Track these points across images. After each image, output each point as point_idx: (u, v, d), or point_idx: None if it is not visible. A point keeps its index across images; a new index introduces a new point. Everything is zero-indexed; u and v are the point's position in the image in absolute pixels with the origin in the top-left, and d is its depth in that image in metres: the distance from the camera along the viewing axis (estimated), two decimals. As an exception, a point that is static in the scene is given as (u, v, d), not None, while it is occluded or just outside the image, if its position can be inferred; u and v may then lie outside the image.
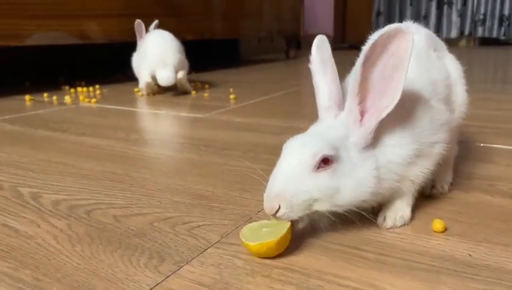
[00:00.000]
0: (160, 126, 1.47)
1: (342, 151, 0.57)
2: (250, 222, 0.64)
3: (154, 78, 1.91)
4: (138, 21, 1.98)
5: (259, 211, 0.70)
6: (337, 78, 0.62)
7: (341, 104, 0.61)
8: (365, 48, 0.55)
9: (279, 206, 0.55)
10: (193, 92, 2.00)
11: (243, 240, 0.55)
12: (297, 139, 0.59)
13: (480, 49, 4.71)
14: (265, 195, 0.56)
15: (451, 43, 5.06)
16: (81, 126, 1.36)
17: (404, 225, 0.63)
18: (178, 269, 0.53)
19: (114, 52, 2.44)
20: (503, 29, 4.91)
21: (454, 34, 5.12)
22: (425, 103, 0.63)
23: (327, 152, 0.55)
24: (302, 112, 1.66)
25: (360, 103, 0.57)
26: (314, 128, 0.62)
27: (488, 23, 4.97)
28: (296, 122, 1.34)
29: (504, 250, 0.56)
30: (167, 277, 0.52)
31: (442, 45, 0.80)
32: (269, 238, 0.54)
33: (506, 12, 4.83)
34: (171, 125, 1.44)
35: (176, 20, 2.52)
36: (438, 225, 0.61)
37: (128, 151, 1.07)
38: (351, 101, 0.57)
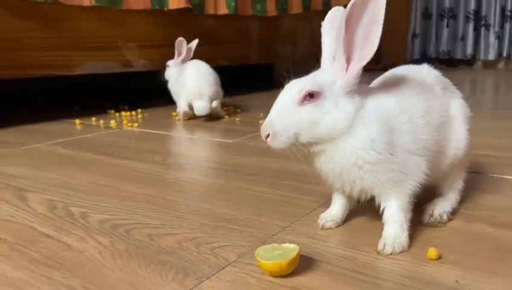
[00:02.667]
0: (194, 151, 1.59)
1: (328, 92, 0.70)
2: (265, 244, 0.74)
3: (190, 106, 2.07)
4: (180, 38, 2.14)
5: (273, 235, 0.79)
6: (341, 39, 0.70)
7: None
8: (347, 8, 0.66)
9: (269, 134, 0.69)
10: (226, 117, 2.13)
11: (258, 258, 0.64)
12: (292, 81, 0.74)
13: (520, 71, 4.62)
14: (261, 130, 0.71)
15: (489, 65, 4.97)
16: (124, 150, 1.50)
17: (402, 251, 0.71)
18: (199, 283, 0.63)
19: (152, 77, 2.62)
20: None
21: (492, 56, 5.04)
22: (411, 117, 0.73)
23: (311, 88, 0.68)
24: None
25: (345, 53, 0.69)
26: (309, 74, 0.75)
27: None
28: (320, 149, 1.42)
29: (490, 277, 0.62)
30: (190, 290, 0.62)
31: (453, 89, 0.87)
32: (281, 259, 0.63)
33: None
34: (203, 150, 1.56)
35: (212, 48, 2.68)
36: (432, 252, 0.68)
37: (164, 175, 1.19)
38: (339, 51, 0.69)
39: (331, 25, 0.75)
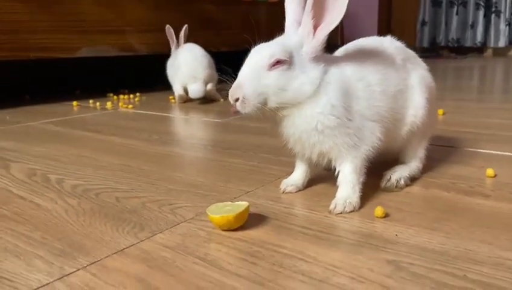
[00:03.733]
0: (180, 129, 1.63)
1: (295, 58, 0.71)
2: (224, 205, 0.77)
3: (186, 89, 2.11)
4: (167, 26, 2.18)
5: (235, 198, 0.82)
6: (303, 3, 0.73)
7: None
8: None
9: (238, 98, 0.70)
10: (221, 100, 2.16)
11: (208, 213, 0.68)
12: (260, 45, 0.75)
13: (530, 58, 4.54)
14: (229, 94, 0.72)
15: (499, 53, 4.87)
16: (113, 128, 1.55)
17: (352, 211, 0.73)
18: (152, 236, 0.67)
19: (155, 62, 2.66)
20: (556, 37, 4.70)
21: (502, 43, 4.95)
22: (368, 85, 0.75)
23: (281, 55, 0.70)
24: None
25: (313, 18, 0.70)
26: (276, 39, 0.76)
27: (538, 31, 4.77)
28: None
29: (429, 233, 0.64)
30: (141, 241, 0.65)
31: (417, 61, 0.89)
32: (229, 213, 0.66)
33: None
34: (190, 128, 1.60)
35: (212, 33, 2.71)
36: (379, 211, 0.70)
37: (146, 150, 1.23)
38: (306, 17, 0.71)
39: None
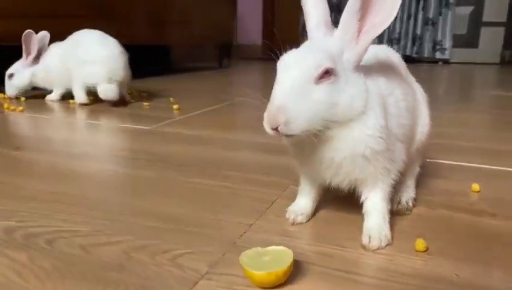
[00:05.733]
0: (105, 139, 1.36)
1: (338, 66, 0.58)
2: (236, 248, 0.62)
3: (90, 90, 1.79)
4: (28, 31, 1.79)
5: (241, 235, 0.67)
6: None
7: (328, 24, 0.63)
8: None
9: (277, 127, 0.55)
10: (132, 101, 1.90)
11: (247, 268, 0.52)
12: (294, 53, 0.59)
13: (397, 65, 5.08)
14: (266, 113, 0.56)
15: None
16: (14, 138, 1.22)
17: (388, 244, 0.64)
18: (173, 307, 0.49)
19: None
20: (415, 48, 5.34)
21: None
22: (395, 101, 0.66)
23: (329, 64, 0.56)
24: (249, 124, 1.65)
25: (359, 20, 0.58)
26: (308, 44, 0.62)
27: (402, 41, 5.37)
28: (249, 136, 1.32)
29: (483, 268, 0.59)
30: (163, 317, 0.47)
31: (409, 72, 0.83)
32: (275, 266, 0.52)
33: (418, 32, 5.27)
34: (117, 138, 1.35)
35: (114, 25, 2.39)
36: (420, 245, 0.63)
37: (76, 168, 0.98)
38: (350, 18, 0.59)
39: None
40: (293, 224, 0.71)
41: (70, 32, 1.87)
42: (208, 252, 0.61)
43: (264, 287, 0.52)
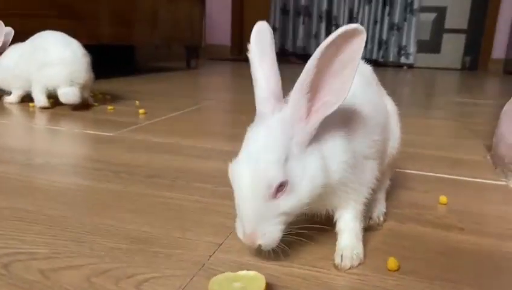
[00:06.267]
0: (67, 147, 1.30)
1: (290, 157, 0.57)
2: (204, 270, 0.59)
3: (50, 94, 1.71)
4: None
5: (210, 256, 0.64)
6: (276, 68, 0.60)
7: (279, 96, 0.60)
8: (320, 46, 0.53)
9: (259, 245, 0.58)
10: (95, 104, 1.84)
11: (219, 299, 0.50)
12: (243, 166, 0.57)
13: (363, 69, 5.17)
14: (241, 238, 0.59)
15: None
16: (-35, 146, 1.15)
17: (360, 263, 0.64)
18: None
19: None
20: (381, 52, 5.46)
21: (341, 53, 5.53)
22: (364, 119, 0.65)
23: (280, 179, 0.55)
24: (218, 130, 1.62)
25: (309, 101, 0.57)
26: (254, 138, 0.58)
27: (369, 46, 5.47)
28: (219, 144, 1.30)
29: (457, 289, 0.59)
30: None
31: (380, 84, 0.83)
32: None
33: (384, 37, 5.38)
34: (79, 146, 1.29)
35: (68, 22, 2.30)
36: (392, 263, 0.62)
37: (36, 181, 0.93)
38: (300, 99, 0.56)
39: (261, 48, 0.61)
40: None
41: (30, 32, 1.78)
42: (176, 277, 0.58)
43: (236, 316, 0.50)
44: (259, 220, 0.56)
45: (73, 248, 0.65)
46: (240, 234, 0.59)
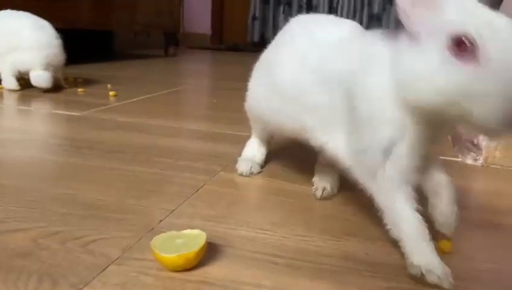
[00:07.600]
0: (32, 125, 1.29)
1: None
2: (153, 233, 0.60)
3: (20, 76, 1.69)
4: None
5: (161, 221, 0.65)
6: None
7: None
8: None
9: None
10: (66, 87, 1.82)
11: (156, 251, 0.51)
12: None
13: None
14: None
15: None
16: None
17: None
18: (77, 293, 0.47)
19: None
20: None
21: (321, 43, 5.56)
22: None
23: None
24: (188, 111, 1.63)
25: None
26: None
27: (349, 35, 5.51)
28: (185, 123, 1.30)
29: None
30: (65, 304, 0.45)
31: None
32: (186, 249, 0.51)
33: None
34: (45, 124, 1.29)
35: (43, 5, 2.25)
36: (445, 245, 0.62)
37: (-5, 155, 0.92)
38: None
39: None
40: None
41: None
42: (123, 238, 0.59)
43: (175, 270, 0.51)
44: None
45: (24, 214, 0.65)
46: None
